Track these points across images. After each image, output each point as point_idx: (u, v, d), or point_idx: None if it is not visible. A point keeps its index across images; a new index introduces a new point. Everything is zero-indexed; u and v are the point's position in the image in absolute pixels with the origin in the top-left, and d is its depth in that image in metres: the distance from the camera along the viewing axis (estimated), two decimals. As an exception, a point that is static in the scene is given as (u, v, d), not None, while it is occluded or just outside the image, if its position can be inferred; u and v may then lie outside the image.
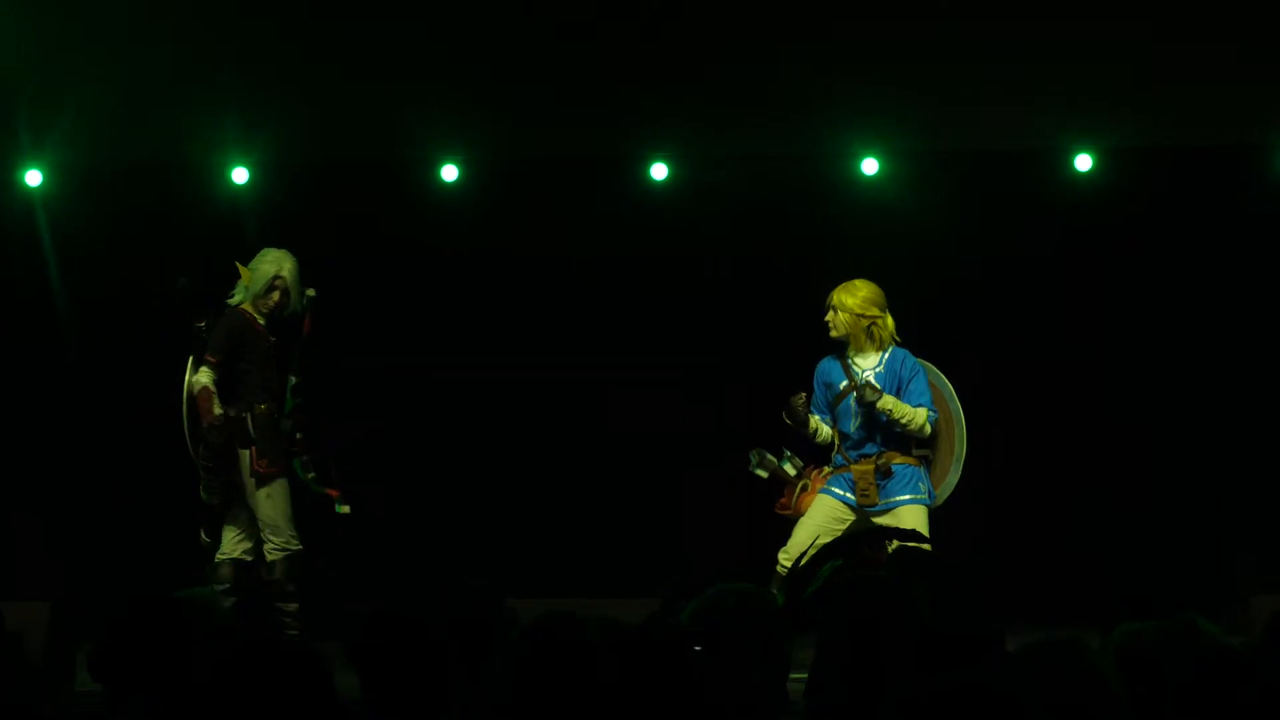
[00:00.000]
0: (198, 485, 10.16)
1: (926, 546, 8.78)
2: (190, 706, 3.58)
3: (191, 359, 10.21)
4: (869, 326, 9.83)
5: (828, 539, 9.56)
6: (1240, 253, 11.85)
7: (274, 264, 10.29)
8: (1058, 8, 11.29)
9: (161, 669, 4.60)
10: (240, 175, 12.02)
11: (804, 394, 9.88)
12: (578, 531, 11.93)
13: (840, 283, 9.91)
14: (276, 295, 10.27)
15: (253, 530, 10.22)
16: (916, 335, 10.29)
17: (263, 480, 10.11)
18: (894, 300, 10.13)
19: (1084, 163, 11.88)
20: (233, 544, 10.24)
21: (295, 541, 10.18)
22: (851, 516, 9.83)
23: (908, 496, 9.77)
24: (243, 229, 11.79)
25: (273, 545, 10.13)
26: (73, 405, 11.99)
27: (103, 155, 11.83)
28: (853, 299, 9.82)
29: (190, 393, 10.15)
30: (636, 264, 11.99)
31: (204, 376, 10.07)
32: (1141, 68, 11.31)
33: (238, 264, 10.32)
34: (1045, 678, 4.25)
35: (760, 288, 11.97)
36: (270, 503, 10.12)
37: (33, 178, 11.93)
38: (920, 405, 9.79)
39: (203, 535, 10.29)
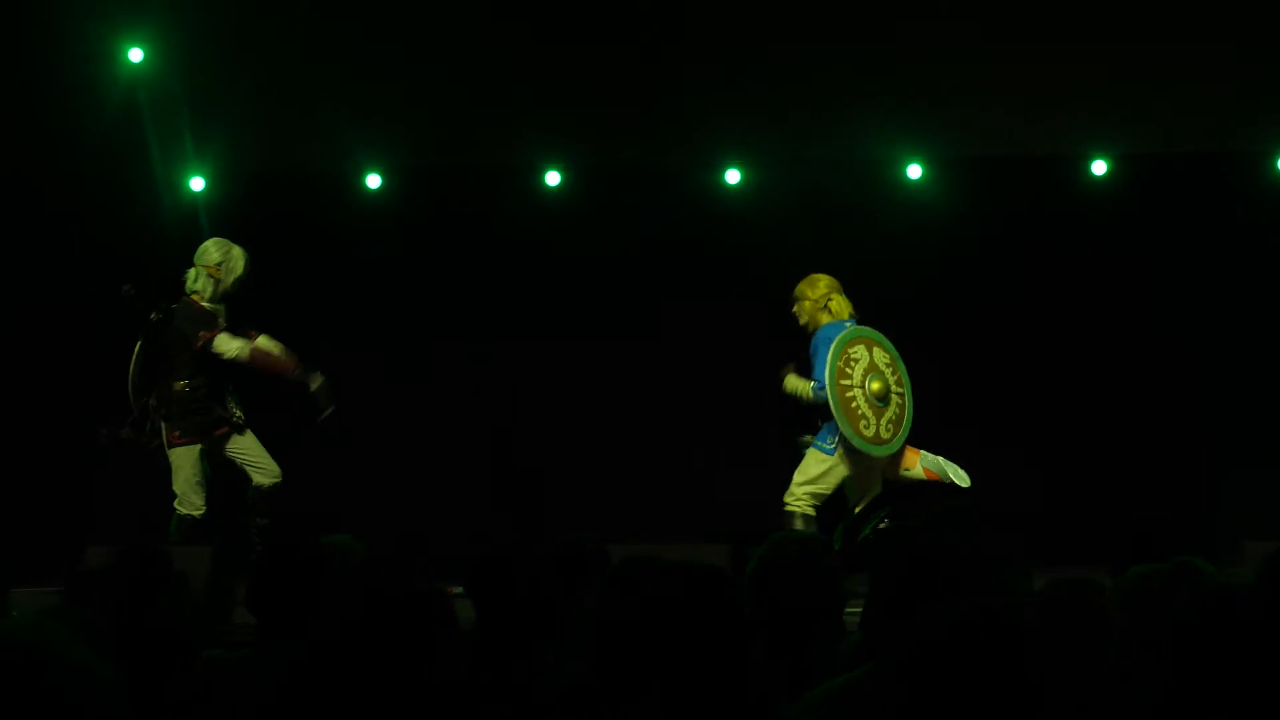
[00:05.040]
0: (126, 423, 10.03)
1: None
2: (336, 635, 3.62)
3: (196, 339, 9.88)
4: (825, 307, 10.03)
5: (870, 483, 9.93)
6: (1241, 250, 11.83)
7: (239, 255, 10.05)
8: (1090, 28, 11.24)
9: (308, 603, 4.65)
10: (374, 180, 12.09)
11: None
12: (662, 484, 11.97)
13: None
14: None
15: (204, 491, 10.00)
16: (940, 320, 10.33)
17: (171, 445, 9.91)
18: (916, 290, 10.40)
19: (1099, 168, 11.85)
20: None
21: (194, 508, 9.91)
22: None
23: (816, 444, 9.97)
24: (383, 233, 11.88)
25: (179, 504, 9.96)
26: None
27: (254, 163, 11.90)
28: (813, 290, 10.03)
29: (238, 357, 9.85)
30: (673, 259, 12.00)
31: (233, 343, 9.89)
32: (1158, 79, 11.27)
33: (205, 256, 9.99)
34: (1065, 610, 4.26)
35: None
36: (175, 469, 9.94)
37: (196, 183, 11.98)
38: (812, 380, 9.93)
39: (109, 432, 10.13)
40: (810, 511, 9.93)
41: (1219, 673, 3.56)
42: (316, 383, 10.04)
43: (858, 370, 9.96)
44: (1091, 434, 11.96)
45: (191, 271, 10.00)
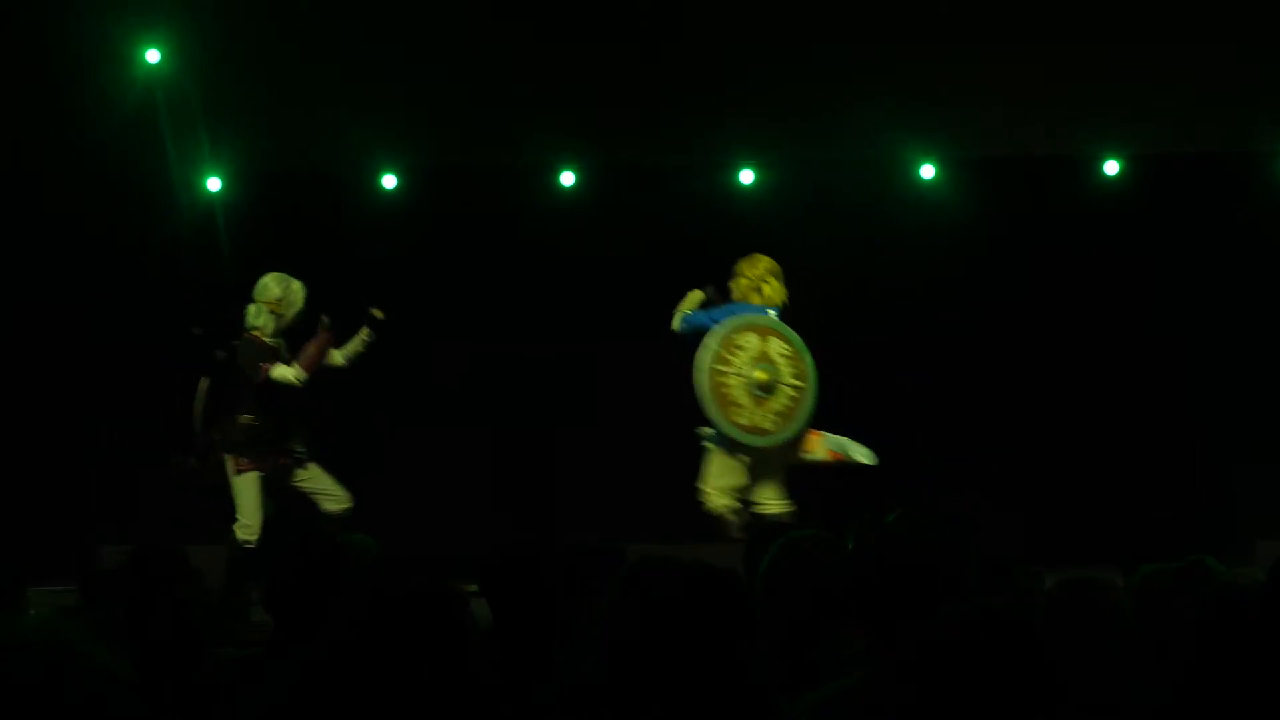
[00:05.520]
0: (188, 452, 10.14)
1: None
2: (349, 633, 3.63)
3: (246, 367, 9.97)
4: (758, 288, 9.96)
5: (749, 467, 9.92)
6: (1253, 250, 11.84)
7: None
8: (1103, 28, 11.24)
9: (324, 603, 4.66)
10: (389, 181, 12.11)
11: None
12: (676, 484, 11.96)
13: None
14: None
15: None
16: (951, 320, 10.30)
17: (236, 472, 9.95)
18: (928, 290, 10.48)
19: (1111, 168, 11.86)
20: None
21: (251, 534, 9.87)
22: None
23: (713, 441, 9.99)
24: (396, 233, 11.89)
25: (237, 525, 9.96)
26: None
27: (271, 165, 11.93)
28: (750, 269, 10.00)
29: (297, 382, 9.93)
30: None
31: (288, 370, 9.98)
32: (1170, 79, 11.27)
33: (266, 292, 10.04)
34: (1075, 610, 4.26)
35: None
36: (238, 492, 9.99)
37: (213, 184, 11.99)
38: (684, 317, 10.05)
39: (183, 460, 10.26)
40: (734, 504, 9.88)
41: (1230, 673, 3.56)
42: (367, 333, 10.24)
43: (740, 358, 9.86)
44: (1103, 433, 11.96)
45: (252, 308, 10.05)
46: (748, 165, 12.04)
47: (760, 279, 9.98)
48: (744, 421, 9.82)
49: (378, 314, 10.23)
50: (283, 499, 10.09)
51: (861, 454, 9.95)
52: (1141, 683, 4.08)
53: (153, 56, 11.40)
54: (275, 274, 10.11)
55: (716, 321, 9.87)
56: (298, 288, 10.08)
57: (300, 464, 10.08)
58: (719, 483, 9.89)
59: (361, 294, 10.43)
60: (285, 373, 9.96)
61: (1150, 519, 11.27)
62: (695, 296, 10.08)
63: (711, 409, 9.80)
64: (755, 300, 9.96)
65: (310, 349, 10.05)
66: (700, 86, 11.52)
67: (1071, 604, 4.25)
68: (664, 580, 3.22)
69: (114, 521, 11.02)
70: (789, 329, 10.00)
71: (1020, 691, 3.03)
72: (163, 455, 10.23)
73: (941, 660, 3.04)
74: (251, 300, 10.07)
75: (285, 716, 3.57)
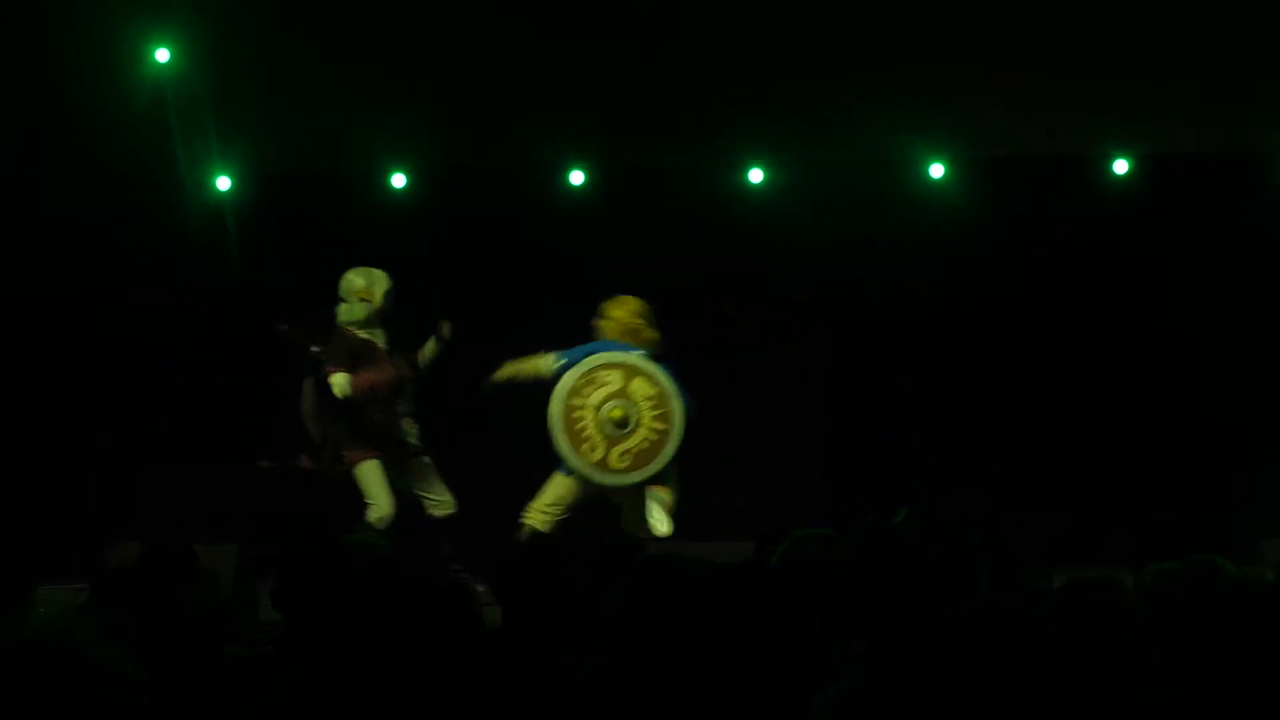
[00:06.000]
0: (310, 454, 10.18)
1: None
2: (359, 631, 3.62)
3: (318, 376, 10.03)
4: (632, 332, 9.94)
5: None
6: (1251, 250, 11.82)
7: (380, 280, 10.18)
8: (1110, 28, 11.22)
9: (334, 602, 4.66)
10: (398, 180, 12.10)
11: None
12: (685, 482, 11.96)
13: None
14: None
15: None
16: (959, 320, 10.27)
17: (353, 464, 10.05)
18: (935, 290, 10.64)
19: (1120, 167, 11.85)
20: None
21: (381, 511, 9.99)
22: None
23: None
24: (405, 233, 11.87)
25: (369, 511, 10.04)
26: (257, 382, 12.03)
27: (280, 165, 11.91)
28: (617, 310, 9.98)
29: (339, 394, 9.91)
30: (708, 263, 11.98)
31: (338, 378, 9.93)
32: (1178, 79, 11.25)
33: (351, 285, 10.09)
34: (1084, 609, 4.26)
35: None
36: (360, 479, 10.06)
37: (222, 183, 11.97)
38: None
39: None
40: (544, 529, 9.83)
41: (1240, 672, 3.55)
42: (434, 345, 10.28)
43: (597, 394, 9.81)
44: (1106, 432, 11.94)
45: (343, 306, 10.10)
46: (754, 165, 12.01)
47: (629, 323, 9.90)
48: (595, 457, 9.79)
49: (445, 331, 10.29)
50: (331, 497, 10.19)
51: (658, 520, 9.89)
52: (1151, 682, 4.07)
53: (162, 56, 11.38)
54: (355, 268, 10.16)
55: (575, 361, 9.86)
56: (380, 275, 10.13)
57: (413, 454, 10.16)
58: (546, 503, 9.86)
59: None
60: (336, 379, 9.96)
61: (1152, 519, 11.26)
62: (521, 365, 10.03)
63: (560, 440, 9.78)
64: (627, 343, 9.91)
65: (368, 376, 9.99)
66: (705, 87, 11.49)
67: (1080, 603, 4.24)
68: (678, 578, 3.21)
69: (115, 521, 11.02)
70: (660, 371, 9.90)
71: (1022, 691, 3.02)
72: (251, 460, 10.35)
73: (943, 660, 3.03)
74: (340, 300, 10.08)
75: (297, 715, 3.56)
